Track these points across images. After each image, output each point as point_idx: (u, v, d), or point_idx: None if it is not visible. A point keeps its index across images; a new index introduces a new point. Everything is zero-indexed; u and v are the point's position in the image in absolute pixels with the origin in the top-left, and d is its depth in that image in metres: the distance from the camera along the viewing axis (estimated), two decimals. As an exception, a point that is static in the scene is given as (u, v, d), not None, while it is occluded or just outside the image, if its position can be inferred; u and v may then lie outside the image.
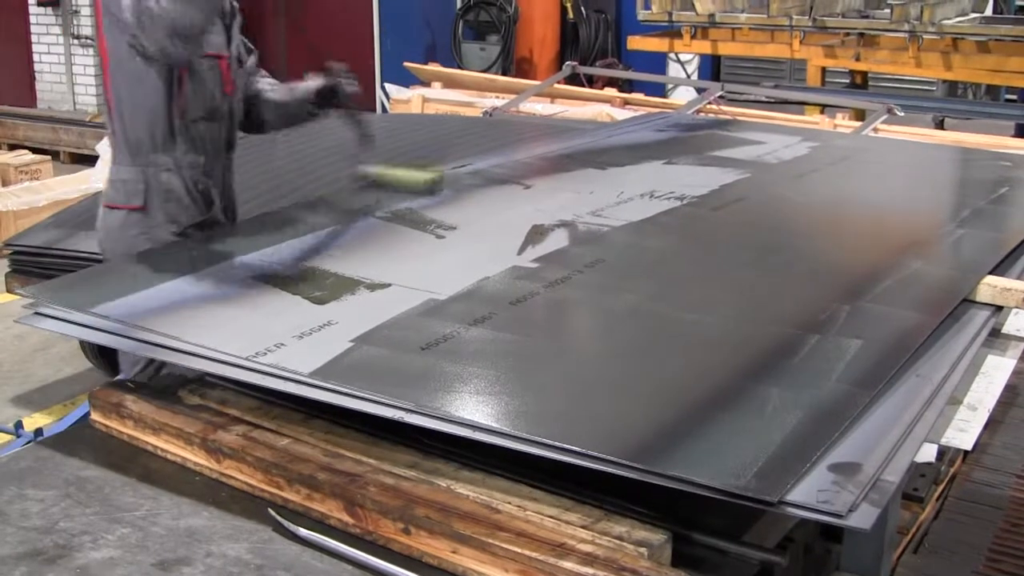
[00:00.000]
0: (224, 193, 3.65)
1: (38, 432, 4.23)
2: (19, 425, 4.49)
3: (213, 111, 3.54)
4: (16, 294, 4.55)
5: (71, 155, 10.26)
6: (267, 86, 3.89)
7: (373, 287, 2.76)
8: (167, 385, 2.60)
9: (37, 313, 2.67)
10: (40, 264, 4.71)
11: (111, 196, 3.53)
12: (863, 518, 1.85)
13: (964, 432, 2.40)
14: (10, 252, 4.91)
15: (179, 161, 3.48)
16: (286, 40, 13.50)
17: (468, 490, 2.11)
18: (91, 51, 12.71)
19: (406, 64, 9.61)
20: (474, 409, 2.16)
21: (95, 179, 8.21)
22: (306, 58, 13.26)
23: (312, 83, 3.80)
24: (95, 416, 2.53)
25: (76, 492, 2.25)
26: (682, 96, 8.98)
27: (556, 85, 7.64)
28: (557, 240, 3.20)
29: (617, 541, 1.94)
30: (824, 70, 9.30)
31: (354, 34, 12.61)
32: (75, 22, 12.75)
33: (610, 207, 3.54)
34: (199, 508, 2.20)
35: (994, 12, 10.94)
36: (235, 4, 3.68)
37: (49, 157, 9.29)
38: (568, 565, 1.88)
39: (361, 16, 12.43)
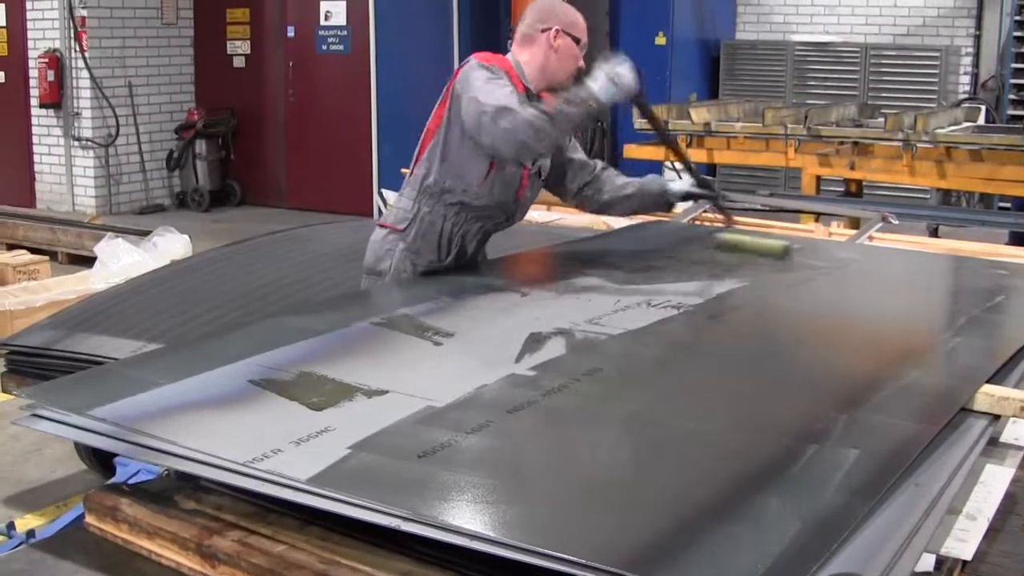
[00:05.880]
0: (465, 256, 4.20)
1: (30, 533, 4.20)
2: (11, 526, 4.45)
3: (501, 204, 4.15)
4: (12, 395, 4.54)
5: (69, 256, 10.25)
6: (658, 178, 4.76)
7: (371, 394, 2.76)
8: (162, 489, 2.59)
9: (34, 415, 2.67)
10: (37, 365, 4.70)
11: (385, 217, 4.30)
12: (863, 631, 1.84)
13: (963, 542, 2.39)
14: (7, 352, 4.90)
15: (449, 215, 4.10)
16: (286, 146, 13.61)
17: (464, 599, 2.09)
18: (91, 153, 12.81)
19: (403, 170, 9.66)
20: (471, 518, 2.15)
21: (93, 280, 8.23)
22: (306, 163, 13.39)
23: (686, 181, 4.66)
24: (90, 519, 2.52)
25: (69, 597, 2.23)
26: (678, 205, 9.02)
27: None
28: (554, 348, 3.20)
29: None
30: (819, 178, 9.34)
31: (353, 140, 12.71)
32: (76, 124, 12.86)
33: (607, 315, 3.55)
34: (193, 615, 2.19)
35: (986, 121, 11.04)
36: None
37: (47, 258, 9.29)
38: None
39: (360, 123, 12.54)
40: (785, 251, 4.60)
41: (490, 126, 3.79)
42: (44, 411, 2.66)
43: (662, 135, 5.25)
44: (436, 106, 4.11)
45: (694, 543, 2.09)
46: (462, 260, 4.19)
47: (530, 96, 4.08)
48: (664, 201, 4.65)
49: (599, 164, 4.52)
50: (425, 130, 4.14)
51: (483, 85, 3.87)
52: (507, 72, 4.02)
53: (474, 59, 4.02)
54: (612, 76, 3.89)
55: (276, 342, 3.20)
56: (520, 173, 4.11)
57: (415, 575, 2.18)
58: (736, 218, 5.40)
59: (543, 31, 4.09)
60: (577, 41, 4.15)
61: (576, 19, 4.17)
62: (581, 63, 4.18)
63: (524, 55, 4.14)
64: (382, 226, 4.22)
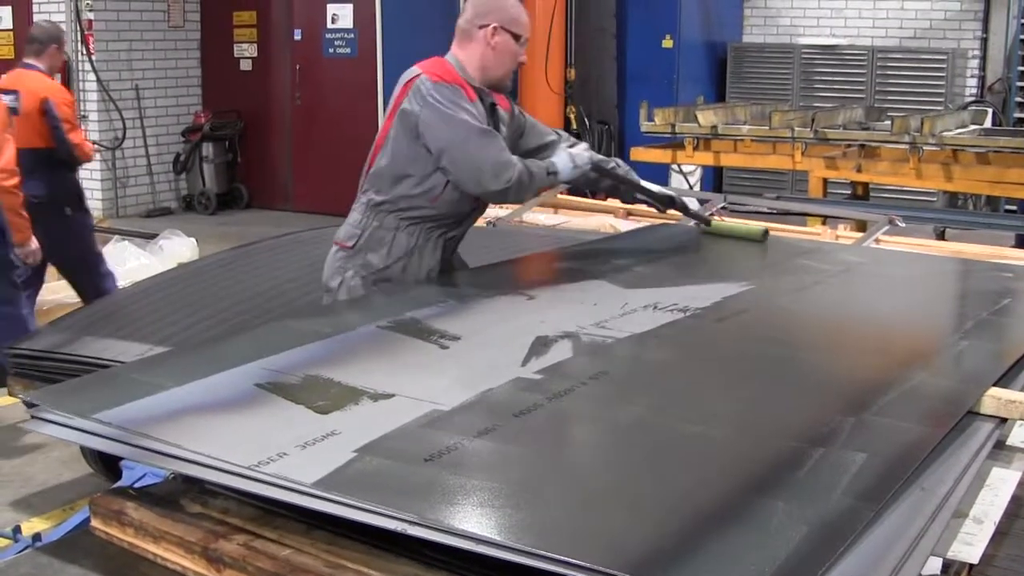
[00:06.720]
0: (431, 263, 4.12)
1: (36, 537, 4.20)
2: (17, 530, 4.45)
3: (458, 212, 4.11)
4: (18, 398, 4.54)
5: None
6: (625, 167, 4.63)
7: (376, 397, 2.76)
8: (168, 492, 2.59)
9: (39, 418, 2.66)
10: (43, 368, 4.70)
11: (337, 234, 4.18)
12: (869, 635, 1.83)
13: (970, 545, 2.39)
14: (13, 355, 4.90)
15: (403, 227, 4.04)
16: (293, 149, 13.63)
17: (470, 603, 2.09)
18: (97, 156, 12.83)
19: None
20: (477, 522, 2.14)
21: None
22: (313, 166, 13.41)
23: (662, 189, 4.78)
24: (95, 523, 2.52)
25: (75, 601, 2.23)
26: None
27: (560, 195, 7.67)
28: (561, 351, 3.20)
29: (621, 657, 1.92)
30: (826, 181, 9.35)
31: (360, 143, 12.71)
32: (83, 127, 12.87)
33: (614, 318, 3.55)
34: (199, 619, 2.19)
35: (993, 124, 11.04)
36: (503, 118, 4.20)
37: (54, 261, 9.29)
38: None
39: (366, 126, 12.56)
40: (767, 233, 4.97)
41: (470, 156, 3.86)
42: (50, 414, 2.66)
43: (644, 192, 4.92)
44: (384, 119, 4.06)
45: (700, 547, 2.09)
46: (429, 266, 4.12)
47: (482, 97, 4.04)
48: (633, 200, 4.81)
49: (556, 135, 4.48)
50: (373, 145, 4.09)
51: (450, 109, 3.88)
52: (460, 86, 3.96)
53: (424, 75, 3.97)
54: (573, 156, 4.16)
55: (282, 345, 3.19)
56: None
57: (421, 579, 2.18)
58: (743, 222, 5.42)
59: (480, 27, 4.04)
60: (517, 38, 4.08)
61: (517, 15, 4.11)
62: (523, 59, 4.13)
63: (463, 52, 4.08)
64: (335, 243, 4.18)
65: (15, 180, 6.21)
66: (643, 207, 7.42)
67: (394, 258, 4.05)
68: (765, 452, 2.59)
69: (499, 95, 4.18)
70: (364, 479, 2.31)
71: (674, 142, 10.07)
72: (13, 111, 6.84)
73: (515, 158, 3.94)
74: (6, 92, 7.04)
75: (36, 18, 12.98)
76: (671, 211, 4.86)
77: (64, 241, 7.22)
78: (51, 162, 7.17)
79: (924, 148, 8.69)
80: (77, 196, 7.49)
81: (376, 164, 4.05)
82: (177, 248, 9.38)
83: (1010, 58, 12.64)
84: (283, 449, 2.41)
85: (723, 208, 6.38)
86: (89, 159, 7.79)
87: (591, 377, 2.99)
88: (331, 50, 13.35)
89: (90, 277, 7.36)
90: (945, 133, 8.81)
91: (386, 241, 4.04)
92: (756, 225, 5.03)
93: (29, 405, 2.70)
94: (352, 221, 4.12)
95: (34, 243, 6.37)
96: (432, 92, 3.91)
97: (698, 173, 12.14)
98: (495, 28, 4.02)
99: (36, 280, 7.25)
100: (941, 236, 8.88)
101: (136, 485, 3.04)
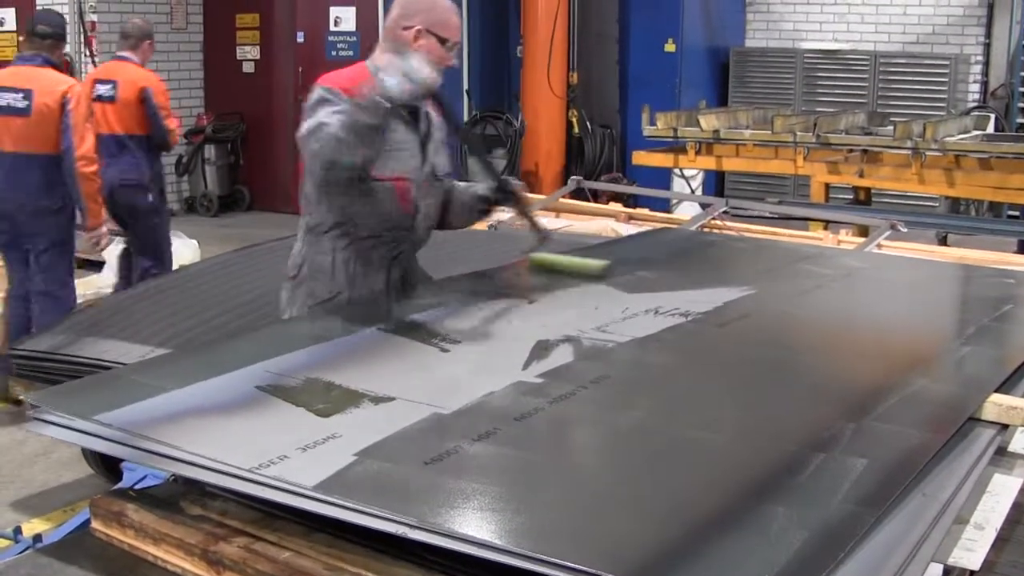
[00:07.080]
0: (380, 283, 3.89)
1: (37, 538, 4.20)
2: (18, 530, 4.45)
3: (394, 225, 3.86)
4: (20, 399, 4.54)
5: (78, 260, 10.23)
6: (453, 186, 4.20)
7: (377, 400, 2.76)
8: (168, 494, 2.59)
9: (40, 419, 2.66)
10: (45, 369, 4.71)
11: (286, 265, 3.98)
12: (870, 641, 1.83)
13: (971, 552, 2.39)
14: (16, 356, 4.91)
15: (339, 248, 3.83)
16: (295, 151, 13.62)
17: (470, 607, 2.09)
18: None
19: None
20: (478, 525, 2.14)
21: (101, 284, 8.24)
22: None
23: (483, 185, 4.18)
24: (96, 524, 2.52)
25: (74, 603, 2.23)
26: (686, 211, 9.01)
27: (561, 199, 7.67)
28: (562, 355, 3.19)
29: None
30: (828, 186, 9.35)
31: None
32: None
33: (615, 323, 3.55)
34: (198, 621, 2.18)
35: (996, 130, 11.04)
36: (435, 123, 3.99)
37: (56, 262, 9.29)
38: None
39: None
40: (606, 269, 4.25)
41: (306, 151, 3.62)
42: (51, 416, 2.66)
43: (461, 132, 4.51)
44: None
45: (701, 552, 2.09)
46: (375, 286, 3.90)
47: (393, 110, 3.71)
48: (474, 206, 4.19)
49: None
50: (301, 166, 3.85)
51: (309, 115, 3.64)
52: (347, 92, 3.61)
53: (316, 86, 3.74)
54: (407, 71, 3.55)
55: (283, 348, 3.19)
56: (391, 187, 3.79)
57: (420, 582, 2.18)
58: (745, 226, 5.38)
59: (405, 29, 3.75)
60: (443, 42, 3.78)
61: (444, 17, 3.80)
62: (453, 62, 3.83)
63: (384, 58, 3.77)
64: (287, 274, 3.98)
65: (94, 167, 6.54)
66: (645, 211, 7.46)
67: (338, 287, 3.85)
68: (766, 457, 2.59)
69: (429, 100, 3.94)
70: (365, 482, 2.31)
71: (676, 146, 10.07)
72: (110, 99, 7.60)
73: (328, 132, 3.52)
74: (103, 82, 7.72)
75: (39, 19, 13.00)
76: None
77: (142, 224, 7.86)
78: (147, 147, 7.75)
79: (926, 153, 8.69)
80: (160, 185, 8.02)
81: (305, 187, 3.87)
82: (179, 250, 9.35)
83: (1013, 63, 12.64)
84: (284, 452, 2.41)
85: (725, 212, 6.38)
86: (176, 144, 8.43)
87: (592, 381, 2.99)
88: (333, 53, 13.35)
89: (148, 261, 7.91)
90: (948, 138, 8.81)
91: (326, 267, 3.84)
92: (595, 262, 4.34)
93: (31, 406, 2.70)
94: (295, 250, 3.96)
95: (104, 228, 6.56)
96: (307, 103, 3.70)
97: (700, 177, 12.15)
98: (419, 31, 3.74)
99: (128, 267, 7.99)
100: (943, 241, 8.89)
101: (137, 487, 3.04)
